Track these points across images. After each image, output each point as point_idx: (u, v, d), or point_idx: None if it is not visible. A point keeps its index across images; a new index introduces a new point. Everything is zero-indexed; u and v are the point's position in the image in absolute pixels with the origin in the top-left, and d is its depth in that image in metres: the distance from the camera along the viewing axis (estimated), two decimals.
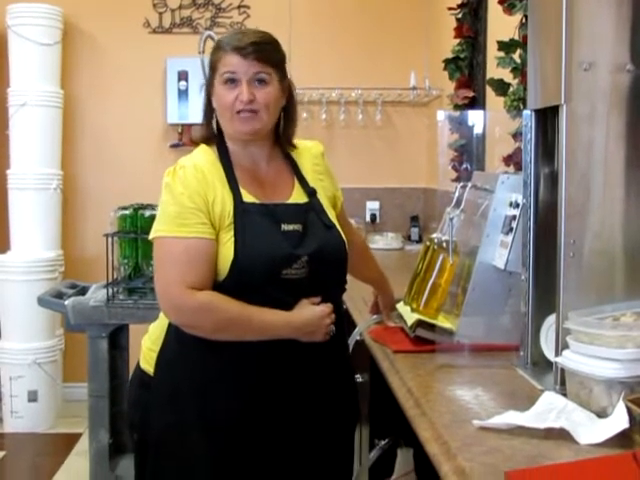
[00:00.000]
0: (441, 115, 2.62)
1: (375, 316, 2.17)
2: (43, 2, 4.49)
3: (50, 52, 4.50)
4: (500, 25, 2.92)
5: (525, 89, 2.19)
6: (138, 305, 2.99)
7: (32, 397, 4.38)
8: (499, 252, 1.88)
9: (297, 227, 1.80)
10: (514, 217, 1.85)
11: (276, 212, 1.80)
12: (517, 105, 2.51)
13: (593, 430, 1.30)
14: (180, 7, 4.79)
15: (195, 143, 1.89)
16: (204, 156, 1.83)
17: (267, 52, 1.79)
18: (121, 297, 3.05)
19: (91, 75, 4.80)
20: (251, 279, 1.73)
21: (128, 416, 1.99)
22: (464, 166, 2.57)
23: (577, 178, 1.53)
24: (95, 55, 4.78)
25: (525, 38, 2.45)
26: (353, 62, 4.76)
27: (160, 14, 4.79)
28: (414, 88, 4.58)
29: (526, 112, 1.73)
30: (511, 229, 1.85)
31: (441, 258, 1.93)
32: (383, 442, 2.26)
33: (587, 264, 1.54)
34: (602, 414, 1.37)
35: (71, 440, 4.22)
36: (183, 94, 4.70)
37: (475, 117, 2.50)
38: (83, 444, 3.92)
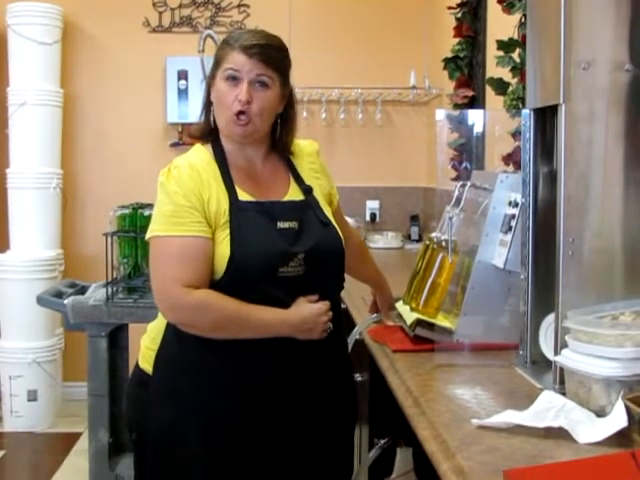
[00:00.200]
0: (440, 114, 2.62)
1: (374, 315, 2.17)
2: (43, 1, 4.49)
3: (50, 51, 4.51)
4: (499, 24, 2.92)
5: (524, 88, 2.19)
6: (138, 304, 2.98)
7: (32, 396, 4.38)
8: (498, 251, 1.88)
9: (293, 225, 1.80)
10: (513, 216, 1.85)
11: (272, 210, 1.80)
12: (516, 104, 2.51)
13: (592, 429, 1.30)
14: (180, 6, 4.80)
15: (192, 138, 1.89)
16: (199, 155, 1.84)
17: (273, 56, 1.79)
18: (121, 296, 3.05)
19: (91, 74, 4.80)
20: (248, 277, 1.73)
21: (127, 415, 2.00)
22: (464, 165, 2.56)
23: (576, 177, 1.53)
24: (95, 54, 4.78)
25: (524, 37, 2.45)
26: (353, 61, 4.77)
27: (160, 13, 4.79)
28: (414, 87, 4.58)
29: (525, 111, 1.73)
30: (510, 228, 1.85)
31: (440, 257, 1.93)
32: (382, 441, 2.27)
33: (586, 263, 1.54)
34: (601, 413, 1.37)
35: (71, 439, 4.22)
36: (183, 93, 4.70)
37: (475, 116, 2.49)
38: (83, 443, 3.92)
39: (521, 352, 1.74)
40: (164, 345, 1.84)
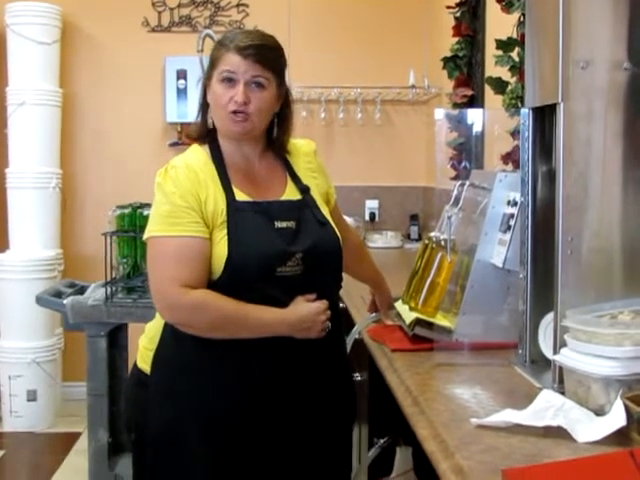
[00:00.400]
0: (439, 113, 2.62)
1: (373, 314, 2.17)
2: (42, 1, 4.49)
3: (49, 51, 4.50)
4: (498, 24, 2.92)
5: (523, 87, 2.19)
6: (137, 304, 2.98)
7: (31, 396, 4.38)
8: (497, 250, 1.88)
9: (291, 224, 1.80)
10: (512, 215, 1.85)
11: (269, 209, 1.80)
12: (515, 103, 2.51)
13: (591, 428, 1.30)
14: (179, 6, 4.79)
15: (190, 139, 1.89)
16: (196, 155, 1.84)
17: (269, 56, 1.79)
18: (120, 296, 3.04)
19: (90, 74, 4.80)
20: (245, 277, 1.73)
21: (125, 415, 2.00)
22: (463, 164, 2.57)
23: (575, 176, 1.53)
24: (94, 54, 4.78)
25: (523, 37, 2.45)
26: (352, 61, 4.76)
27: (159, 13, 4.79)
28: (413, 87, 4.58)
29: (524, 110, 1.73)
30: (509, 227, 1.85)
31: (439, 256, 1.93)
32: (382, 440, 2.27)
33: (585, 262, 1.54)
34: (600, 412, 1.37)
35: (70, 439, 4.22)
36: (182, 93, 4.69)
37: (474, 115, 2.50)
38: (82, 443, 3.92)
39: (520, 351, 1.74)
40: (162, 345, 1.84)
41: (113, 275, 3.09)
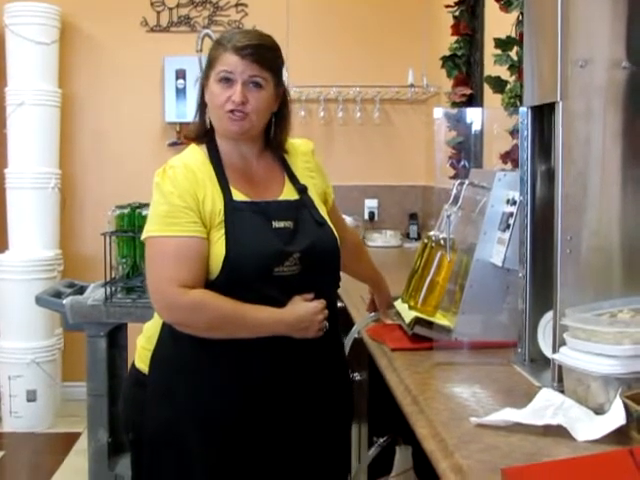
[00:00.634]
0: (438, 112, 2.62)
1: (373, 314, 2.17)
2: (41, 1, 4.49)
3: (48, 51, 4.50)
4: (497, 22, 2.92)
5: (522, 86, 2.19)
6: (136, 304, 2.98)
7: (31, 396, 4.38)
8: (496, 249, 1.88)
9: (288, 224, 1.80)
10: (511, 214, 1.85)
11: (267, 209, 1.80)
12: (514, 102, 2.51)
13: (590, 427, 1.30)
14: (178, 6, 4.79)
15: (188, 139, 1.89)
16: (194, 156, 1.83)
17: (266, 56, 1.78)
18: (119, 296, 3.04)
19: (89, 74, 4.80)
20: (243, 277, 1.73)
21: (123, 415, 2.00)
22: (462, 163, 2.57)
23: (574, 175, 1.53)
24: (93, 54, 4.78)
25: (522, 35, 2.44)
26: (351, 60, 4.76)
27: (158, 13, 4.79)
28: (412, 86, 4.58)
29: (522, 109, 1.73)
30: (508, 226, 1.85)
31: (439, 255, 1.93)
32: (382, 440, 2.26)
33: (584, 261, 1.54)
34: (599, 410, 1.37)
35: (70, 439, 4.22)
36: (181, 93, 4.69)
37: (473, 114, 2.50)
38: (82, 443, 3.92)
39: (519, 350, 1.74)
40: (160, 345, 1.84)
41: (112, 275, 3.09)
